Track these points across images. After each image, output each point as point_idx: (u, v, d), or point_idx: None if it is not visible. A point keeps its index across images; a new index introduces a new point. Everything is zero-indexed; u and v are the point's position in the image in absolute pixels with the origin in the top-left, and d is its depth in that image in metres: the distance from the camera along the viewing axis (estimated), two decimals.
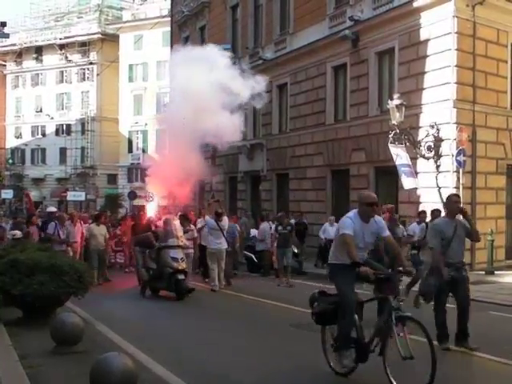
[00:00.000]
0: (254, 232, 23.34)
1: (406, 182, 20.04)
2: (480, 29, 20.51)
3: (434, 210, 14.61)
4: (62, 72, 70.38)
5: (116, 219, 28.00)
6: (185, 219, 18.03)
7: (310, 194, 26.78)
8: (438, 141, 20.26)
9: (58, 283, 10.60)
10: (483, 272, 18.24)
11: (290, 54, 27.92)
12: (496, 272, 18.96)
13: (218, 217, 17.41)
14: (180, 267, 15.21)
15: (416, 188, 20.40)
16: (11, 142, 73.59)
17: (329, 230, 21.13)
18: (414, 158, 20.45)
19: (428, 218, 14.94)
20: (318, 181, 26.43)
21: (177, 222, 16.68)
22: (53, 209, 24.03)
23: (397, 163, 19.94)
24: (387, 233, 7.71)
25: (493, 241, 19.08)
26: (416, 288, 12.38)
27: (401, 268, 7.46)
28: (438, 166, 20.33)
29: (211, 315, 13.28)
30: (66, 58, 68.62)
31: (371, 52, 23.45)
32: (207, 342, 10.07)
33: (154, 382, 7.54)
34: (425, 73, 21.10)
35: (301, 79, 27.56)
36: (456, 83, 20.13)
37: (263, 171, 30.06)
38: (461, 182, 19.59)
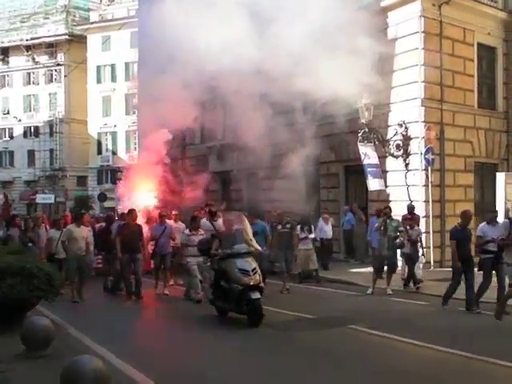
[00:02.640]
0: None
1: (372, 183, 20.19)
2: (447, 28, 20.74)
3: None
4: (29, 73, 69.55)
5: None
6: (193, 219, 16.12)
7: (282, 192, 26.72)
8: (407, 139, 20.45)
9: (28, 286, 10.52)
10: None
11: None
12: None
13: (211, 217, 16.45)
14: (252, 282, 11.57)
15: (382, 189, 20.50)
16: None
17: (325, 230, 20.57)
18: (383, 157, 20.60)
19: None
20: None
21: (246, 222, 13.29)
22: None
23: (364, 163, 20.05)
24: None
25: None
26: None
27: None
28: (406, 165, 20.51)
29: (187, 321, 13.17)
30: (33, 59, 67.81)
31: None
32: (181, 344, 10.07)
33: None
34: (393, 72, 21.24)
35: None
36: (424, 82, 20.33)
37: (233, 171, 29.99)
38: (429, 179, 19.78)
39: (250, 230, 13.03)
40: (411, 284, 16.19)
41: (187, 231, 15.58)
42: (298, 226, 17.73)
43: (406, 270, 16.45)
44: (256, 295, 11.37)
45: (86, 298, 15.22)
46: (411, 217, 17.26)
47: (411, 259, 16.07)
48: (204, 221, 16.36)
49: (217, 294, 12.27)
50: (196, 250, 14.42)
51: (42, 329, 8.82)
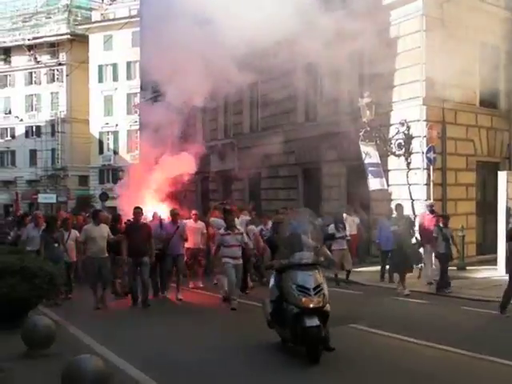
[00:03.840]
0: None
1: (373, 183, 20.14)
2: (449, 26, 20.66)
3: None
4: (31, 73, 69.58)
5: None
6: (228, 214, 14.57)
7: (281, 192, 26.78)
8: (409, 138, 20.42)
9: (28, 286, 10.52)
10: (455, 268, 18.39)
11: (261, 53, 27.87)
12: (468, 268, 19.13)
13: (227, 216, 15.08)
14: (312, 304, 8.64)
15: (383, 189, 20.45)
16: None
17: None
18: (384, 156, 20.56)
19: None
20: (290, 179, 26.44)
21: (312, 222, 10.43)
22: None
23: (365, 162, 20.01)
24: None
25: (464, 237, 19.24)
26: None
27: None
28: (408, 163, 20.47)
29: (185, 318, 13.10)
30: (35, 59, 67.80)
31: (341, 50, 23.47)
32: (180, 342, 10.05)
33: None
34: (395, 70, 21.21)
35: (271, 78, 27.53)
36: (426, 81, 20.26)
37: (235, 171, 30.02)
38: (431, 178, 19.73)
39: (319, 233, 10.41)
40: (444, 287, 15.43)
41: (222, 230, 14.07)
42: (332, 225, 17.12)
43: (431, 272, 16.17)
44: (313, 322, 8.46)
45: (108, 304, 14.23)
46: (442, 215, 16.92)
47: (447, 259, 15.72)
48: (217, 219, 15.77)
49: (276, 315, 9.40)
50: (233, 250, 13.53)
51: (44, 328, 8.83)
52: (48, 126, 67.29)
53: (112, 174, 60.23)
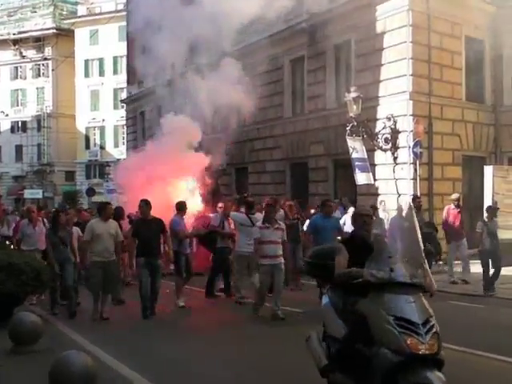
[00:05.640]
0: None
1: (360, 177, 20.15)
2: (435, 21, 20.74)
3: None
4: (17, 68, 69.23)
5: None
6: (272, 209, 12.57)
7: (269, 187, 26.77)
8: (395, 133, 20.45)
9: (15, 282, 10.49)
10: (441, 262, 18.43)
11: (248, 48, 27.85)
12: (455, 262, 19.14)
13: (249, 209, 13.82)
14: (424, 349, 5.32)
15: (370, 183, 20.49)
16: None
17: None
18: (371, 150, 20.59)
19: None
20: (277, 174, 26.47)
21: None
22: None
23: (352, 157, 20.02)
24: None
25: None
26: None
27: None
28: (395, 158, 20.51)
29: (173, 316, 12.78)
30: (21, 53, 67.46)
31: (328, 45, 23.54)
32: (170, 340, 10.03)
33: (115, 380, 7.50)
34: (381, 65, 21.27)
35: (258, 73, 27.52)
36: (412, 75, 20.33)
37: (222, 165, 29.92)
38: (418, 173, 19.78)
39: (418, 239, 6.09)
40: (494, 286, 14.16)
41: (259, 223, 12.03)
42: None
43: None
44: (433, 377, 5.27)
45: (107, 317, 11.68)
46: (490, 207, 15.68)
47: (496, 255, 14.32)
48: (237, 213, 14.10)
49: (338, 358, 6.12)
50: (272, 247, 11.56)
51: (31, 324, 8.81)
52: (34, 121, 66.98)
53: (99, 169, 60.11)
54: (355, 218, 6.97)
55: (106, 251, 11.63)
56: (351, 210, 19.84)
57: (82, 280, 13.74)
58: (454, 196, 17.15)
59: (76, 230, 13.56)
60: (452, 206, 16.77)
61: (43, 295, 13.41)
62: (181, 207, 13.70)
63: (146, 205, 12.35)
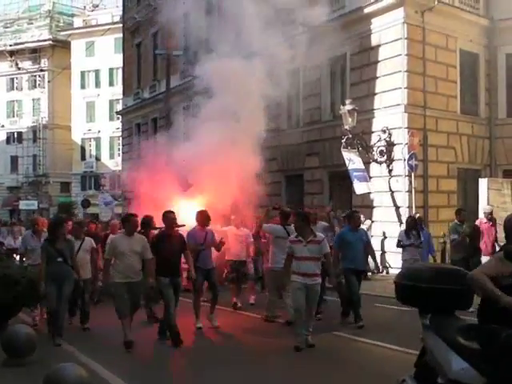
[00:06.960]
0: None
1: (359, 187, 20.20)
2: (429, 34, 20.88)
3: None
4: (13, 79, 69.16)
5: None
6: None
7: (264, 199, 26.72)
8: (390, 145, 20.54)
9: (10, 293, 10.44)
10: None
11: None
12: None
13: (284, 220, 12.29)
14: None
15: (369, 192, 20.57)
16: None
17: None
18: (366, 163, 20.65)
19: None
20: (273, 186, 26.44)
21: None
22: None
23: (349, 168, 20.09)
24: None
25: (445, 243, 19.32)
26: None
27: None
28: (390, 170, 20.58)
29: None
30: (17, 64, 67.41)
31: (323, 58, 23.57)
32: (165, 354, 9.95)
33: None
34: (376, 78, 21.35)
35: None
36: (407, 88, 20.42)
37: None
38: (413, 185, 19.82)
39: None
40: None
41: (293, 237, 10.15)
42: (402, 231, 14.63)
43: None
44: None
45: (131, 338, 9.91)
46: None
47: None
48: (274, 225, 12.67)
49: None
50: (305, 264, 9.69)
51: (25, 336, 8.75)
52: (30, 132, 66.87)
53: (94, 180, 59.97)
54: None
55: (130, 271, 9.88)
56: (367, 222, 19.92)
57: (98, 297, 13.38)
58: (487, 208, 15.89)
59: (90, 240, 12.33)
60: (484, 220, 15.26)
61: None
62: (204, 219, 12.04)
63: (171, 216, 10.81)
